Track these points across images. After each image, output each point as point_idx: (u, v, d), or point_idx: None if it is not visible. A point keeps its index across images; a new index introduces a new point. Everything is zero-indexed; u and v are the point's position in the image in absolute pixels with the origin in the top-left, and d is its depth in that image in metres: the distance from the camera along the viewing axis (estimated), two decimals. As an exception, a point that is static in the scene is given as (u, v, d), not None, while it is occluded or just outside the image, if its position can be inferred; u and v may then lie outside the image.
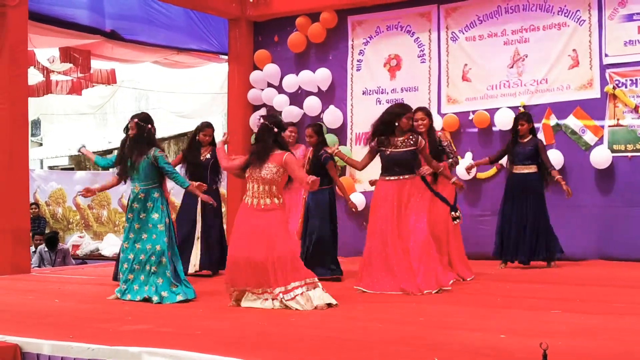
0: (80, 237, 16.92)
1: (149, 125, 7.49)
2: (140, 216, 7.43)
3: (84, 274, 10.59)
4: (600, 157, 10.32)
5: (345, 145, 12.27)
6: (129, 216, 7.54)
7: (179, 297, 7.19)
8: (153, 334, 5.45)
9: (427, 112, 8.34)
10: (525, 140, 9.57)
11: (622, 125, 10.19)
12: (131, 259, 7.40)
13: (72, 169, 21.04)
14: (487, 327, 5.53)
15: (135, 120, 7.45)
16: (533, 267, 9.48)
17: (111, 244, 16.01)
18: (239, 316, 6.30)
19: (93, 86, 15.03)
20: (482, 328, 5.49)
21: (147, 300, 7.23)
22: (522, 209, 9.45)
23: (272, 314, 6.40)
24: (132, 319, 6.19)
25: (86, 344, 5.02)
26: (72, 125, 20.51)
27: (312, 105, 12.47)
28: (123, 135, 7.72)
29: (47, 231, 16.16)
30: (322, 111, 12.47)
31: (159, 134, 20.35)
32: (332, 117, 12.30)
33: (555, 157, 10.58)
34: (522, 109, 10.98)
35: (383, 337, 5.23)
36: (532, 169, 9.49)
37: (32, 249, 13.93)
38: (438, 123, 11.44)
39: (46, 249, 14.04)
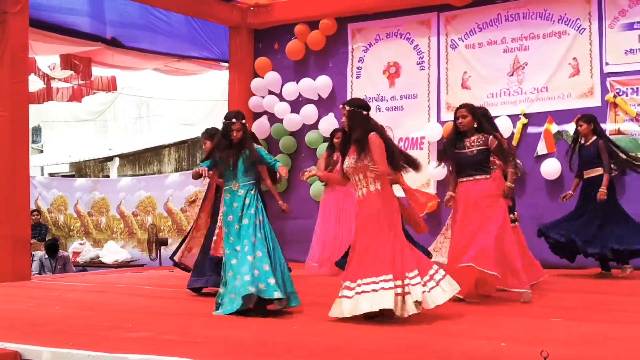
0: (81, 244, 16.90)
1: (247, 123, 7.32)
2: (239, 215, 7.04)
3: (84, 281, 10.58)
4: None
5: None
6: (229, 218, 7.06)
7: (277, 294, 6.67)
8: (154, 342, 5.44)
9: (469, 109, 7.62)
10: (589, 142, 9.26)
11: (623, 134, 10.18)
12: (234, 264, 6.89)
13: (72, 176, 21.06)
14: (489, 335, 5.53)
15: (243, 121, 7.12)
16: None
17: (111, 251, 16.00)
18: (242, 324, 6.28)
19: (94, 93, 15.05)
20: (484, 336, 5.48)
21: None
22: (595, 212, 9.09)
23: (275, 323, 6.39)
24: (133, 326, 6.18)
25: (86, 351, 5.01)
26: (73, 132, 20.51)
27: (311, 112, 12.49)
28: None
29: (48, 238, 16.14)
30: (321, 118, 12.47)
31: (158, 142, 20.53)
32: (330, 124, 12.28)
33: (555, 166, 10.60)
34: (522, 117, 11.00)
35: (385, 346, 5.22)
36: (598, 171, 9.12)
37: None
38: (438, 131, 11.47)
39: (46, 256, 14.03)
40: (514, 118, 11.09)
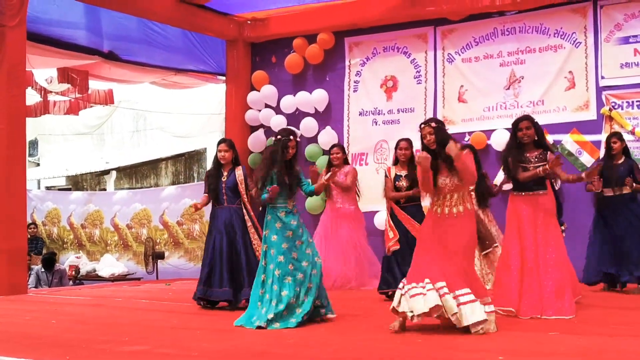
0: (77, 257, 16.88)
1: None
2: (299, 232, 7.13)
3: (80, 294, 10.57)
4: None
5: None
6: (287, 234, 7.09)
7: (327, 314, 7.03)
8: (150, 355, 5.44)
9: (532, 121, 7.47)
10: (620, 161, 9.13)
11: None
12: (289, 282, 6.96)
13: (69, 189, 21.05)
14: (487, 348, 5.52)
15: (299, 139, 7.26)
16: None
17: (108, 265, 15.98)
18: (238, 337, 6.28)
19: (91, 106, 15.06)
20: (480, 349, 5.48)
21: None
22: (617, 230, 8.98)
23: (272, 334, 6.38)
24: (129, 339, 6.17)
25: (83, 365, 5.01)
26: (70, 145, 20.54)
27: (308, 125, 12.51)
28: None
29: (44, 252, 16.12)
30: (319, 132, 12.50)
31: (155, 155, 20.53)
32: (327, 138, 12.34)
33: None
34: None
35: (382, 357, 5.22)
36: (626, 189, 8.99)
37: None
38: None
39: (43, 270, 14.01)
40: (510, 131, 11.07)
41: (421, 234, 6.73)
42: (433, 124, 6.52)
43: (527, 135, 7.34)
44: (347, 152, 12.32)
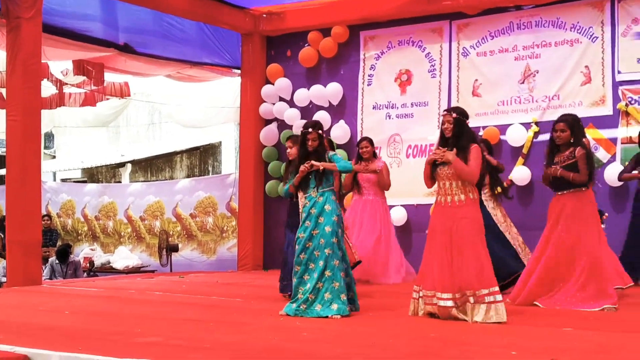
0: (92, 249, 16.93)
1: (324, 134, 7.44)
2: (319, 220, 7.16)
3: (94, 286, 10.60)
4: (614, 174, 10.15)
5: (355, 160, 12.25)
6: (306, 224, 7.20)
7: (349, 309, 7.00)
8: (162, 347, 5.44)
9: (568, 123, 7.51)
10: None
11: (634, 142, 10.11)
12: (312, 268, 7.08)
13: (84, 181, 21.11)
14: (500, 343, 5.50)
15: (319, 131, 7.29)
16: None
17: (123, 257, 16.01)
18: (251, 330, 6.28)
19: (107, 99, 15.06)
20: (494, 344, 5.46)
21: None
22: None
23: (285, 329, 6.38)
24: (142, 331, 6.18)
25: (95, 355, 5.00)
26: (85, 138, 20.58)
27: (322, 119, 12.48)
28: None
29: (59, 243, 16.17)
30: (332, 125, 12.48)
31: (170, 148, 20.55)
32: (340, 131, 12.32)
33: (526, 173, 10.74)
34: (534, 125, 10.98)
35: (397, 353, 5.21)
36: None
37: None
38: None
39: (57, 261, 14.06)
40: (525, 126, 11.06)
41: (431, 228, 6.85)
42: (454, 115, 6.70)
43: (561, 138, 7.44)
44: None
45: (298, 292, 7.10)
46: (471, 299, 6.46)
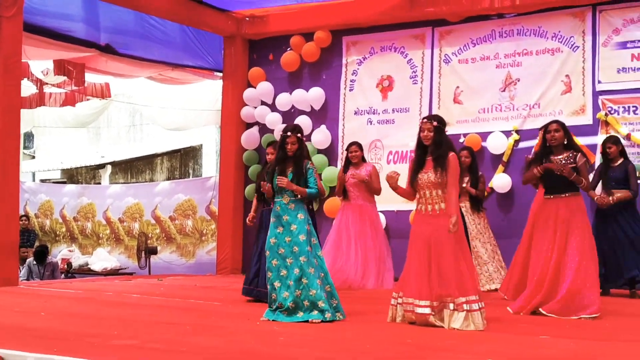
0: (70, 251, 16.84)
1: (304, 139, 7.37)
2: (292, 228, 7.12)
3: (72, 288, 10.53)
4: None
5: (336, 165, 12.28)
6: (278, 230, 7.15)
7: (328, 316, 6.93)
8: (139, 350, 5.42)
9: (561, 124, 7.56)
10: (617, 164, 9.21)
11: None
12: (284, 276, 7.06)
13: (64, 182, 20.99)
14: (475, 350, 5.50)
15: (298, 135, 7.23)
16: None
17: (101, 259, 15.95)
18: (228, 334, 6.26)
19: (88, 99, 14.99)
20: (469, 351, 5.47)
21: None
22: (615, 233, 9.01)
23: (262, 333, 6.36)
24: (118, 333, 6.14)
25: (71, 357, 4.97)
26: (65, 138, 20.49)
27: (303, 124, 12.47)
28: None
29: (37, 244, 16.08)
30: (314, 130, 12.47)
31: (151, 150, 20.47)
32: (321, 136, 12.32)
33: (506, 180, 10.84)
34: (514, 133, 11.03)
35: (368, 359, 5.20)
36: (627, 193, 9.06)
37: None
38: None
39: (35, 262, 13.97)
40: (505, 134, 11.11)
41: (412, 235, 6.85)
42: (435, 123, 6.68)
43: (555, 138, 7.40)
44: (342, 150, 12.36)
45: (272, 298, 7.09)
46: (450, 306, 6.47)
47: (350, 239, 10.24)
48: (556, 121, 7.58)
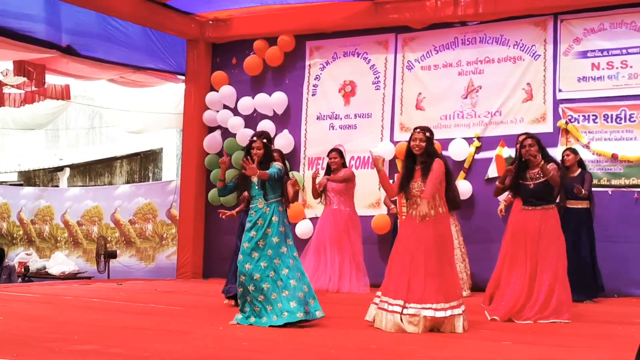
0: (28, 254, 16.63)
1: (271, 144, 7.45)
2: (266, 232, 7.16)
3: (29, 292, 10.40)
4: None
5: (298, 170, 12.28)
6: (251, 234, 7.19)
7: (300, 315, 6.94)
8: (100, 355, 5.36)
9: (536, 139, 7.77)
10: (575, 174, 9.45)
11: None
12: (257, 279, 7.07)
13: (21, 184, 20.73)
14: (438, 356, 5.54)
15: (264, 140, 7.26)
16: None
17: (59, 262, 15.77)
18: (190, 339, 6.22)
19: (43, 99, 14.79)
20: (432, 357, 5.49)
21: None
22: (575, 244, 9.14)
23: (225, 338, 6.33)
24: (79, 338, 6.08)
25: (31, 363, 4.92)
26: (23, 140, 20.24)
27: (266, 128, 12.45)
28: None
29: (-8, 247, 15.85)
30: (276, 134, 12.45)
31: (110, 153, 20.29)
32: (284, 141, 12.29)
33: (467, 187, 10.95)
34: (476, 140, 11.10)
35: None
36: (583, 204, 9.35)
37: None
38: (390, 150, 11.49)
39: (-9, 266, 13.78)
40: (467, 140, 11.17)
41: (398, 238, 7.05)
42: (428, 134, 6.94)
43: (530, 153, 7.57)
44: (304, 155, 12.36)
45: (245, 302, 7.11)
46: (431, 311, 6.62)
47: (328, 244, 10.34)
48: (531, 136, 7.79)
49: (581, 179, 9.41)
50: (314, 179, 10.38)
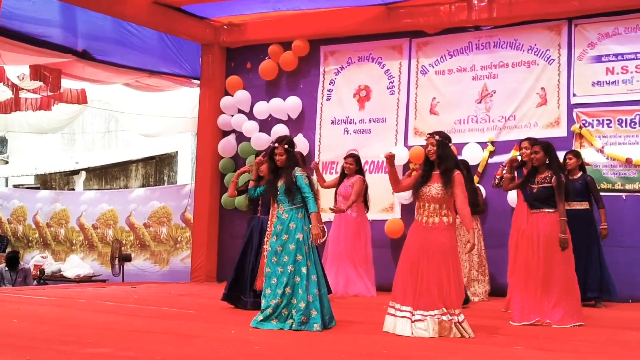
0: (43, 257, 16.71)
1: (293, 148, 7.46)
2: (284, 238, 7.24)
3: (44, 294, 10.45)
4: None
5: (311, 174, 12.26)
6: (273, 239, 7.32)
7: (316, 327, 7.01)
8: (112, 358, 5.39)
9: (542, 146, 7.91)
10: (576, 176, 9.49)
11: (588, 165, 10.23)
12: (274, 283, 7.19)
13: (37, 188, 20.84)
14: (448, 360, 5.53)
15: (285, 146, 7.31)
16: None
17: (73, 265, 15.83)
18: (202, 342, 6.24)
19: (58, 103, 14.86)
20: (444, 362, 5.49)
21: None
22: (578, 245, 8.89)
23: (238, 342, 6.35)
24: (92, 341, 6.11)
25: (44, 366, 4.95)
26: (39, 144, 20.35)
27: (280, 132, 12.47)
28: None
29: (8, 250, 15.94)
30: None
31: (126, 157, 20.38)
32: (298, 145, 12.23)
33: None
34: (489, 145, 11.09)
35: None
36: (583, 205, 9.38)
37: None
38: (404, 155, 11.48)
39: (6, 269, 13.85)
40: (481, 145, 11.17)
41: (406, 244, 7.07)
42: (437, 137, 6.95)
43: (536, 159, 7.79)
44: (318, 159, 12.34)
45: (269, 304, 7.17)
46: (435, 317, 6.65)
47: (340, 249, 10.38)
48: (539, 143, 7.91)
49: (583, 182, 9.44)
50: (316, 170, 10.72)
